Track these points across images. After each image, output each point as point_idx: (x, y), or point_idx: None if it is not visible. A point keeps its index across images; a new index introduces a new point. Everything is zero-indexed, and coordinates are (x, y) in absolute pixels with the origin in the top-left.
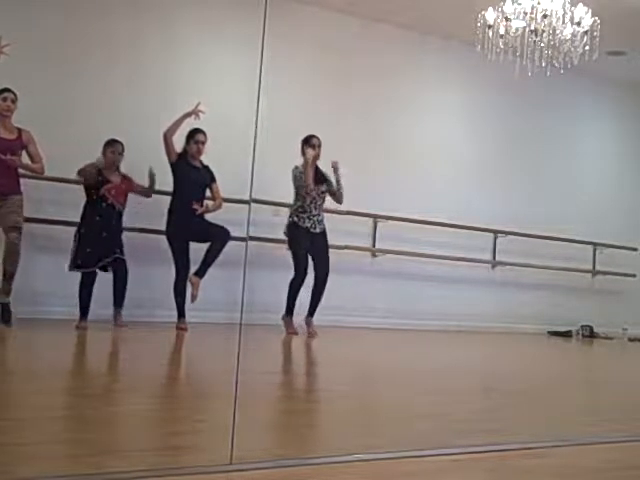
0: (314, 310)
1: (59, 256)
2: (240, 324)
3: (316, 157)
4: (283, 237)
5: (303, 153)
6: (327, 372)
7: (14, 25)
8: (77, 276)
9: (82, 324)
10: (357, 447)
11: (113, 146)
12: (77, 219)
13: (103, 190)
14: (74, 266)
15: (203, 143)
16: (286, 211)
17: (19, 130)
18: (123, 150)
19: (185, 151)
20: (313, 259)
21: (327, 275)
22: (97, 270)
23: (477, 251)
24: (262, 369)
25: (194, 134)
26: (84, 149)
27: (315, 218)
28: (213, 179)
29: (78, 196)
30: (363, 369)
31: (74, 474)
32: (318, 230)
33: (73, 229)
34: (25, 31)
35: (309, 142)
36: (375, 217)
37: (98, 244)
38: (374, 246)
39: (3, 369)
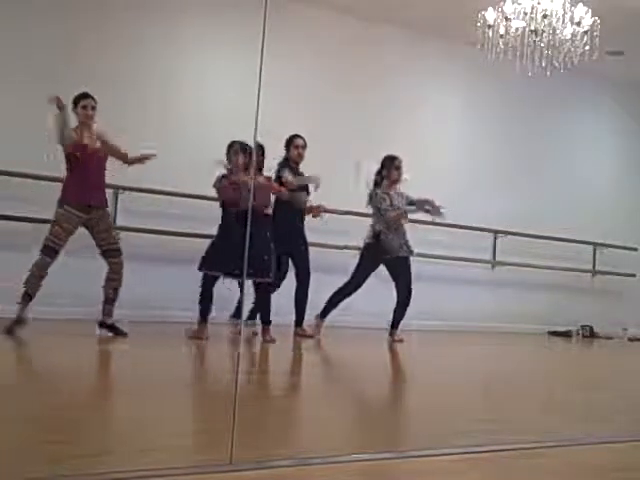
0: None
1: None
2: (240, 324)
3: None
4: None
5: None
6: (327, 372)
7: (12, 27)
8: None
9: (199, 333)
10: (357, 447)
11: (234, 147)
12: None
13: None
14: (201, 266)
15: (303, 147)
16: None
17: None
18: (247, 149)
19: (286, 158)
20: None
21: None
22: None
23: (477, 251)
24: (262, 369)
25: (293, 139)
26: None
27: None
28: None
29: None
30: (363, 369)
31: (74, 474)
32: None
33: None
34: (25, 32)
35: (394, 162)
36: None
37: (229, 249)
38: None
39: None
